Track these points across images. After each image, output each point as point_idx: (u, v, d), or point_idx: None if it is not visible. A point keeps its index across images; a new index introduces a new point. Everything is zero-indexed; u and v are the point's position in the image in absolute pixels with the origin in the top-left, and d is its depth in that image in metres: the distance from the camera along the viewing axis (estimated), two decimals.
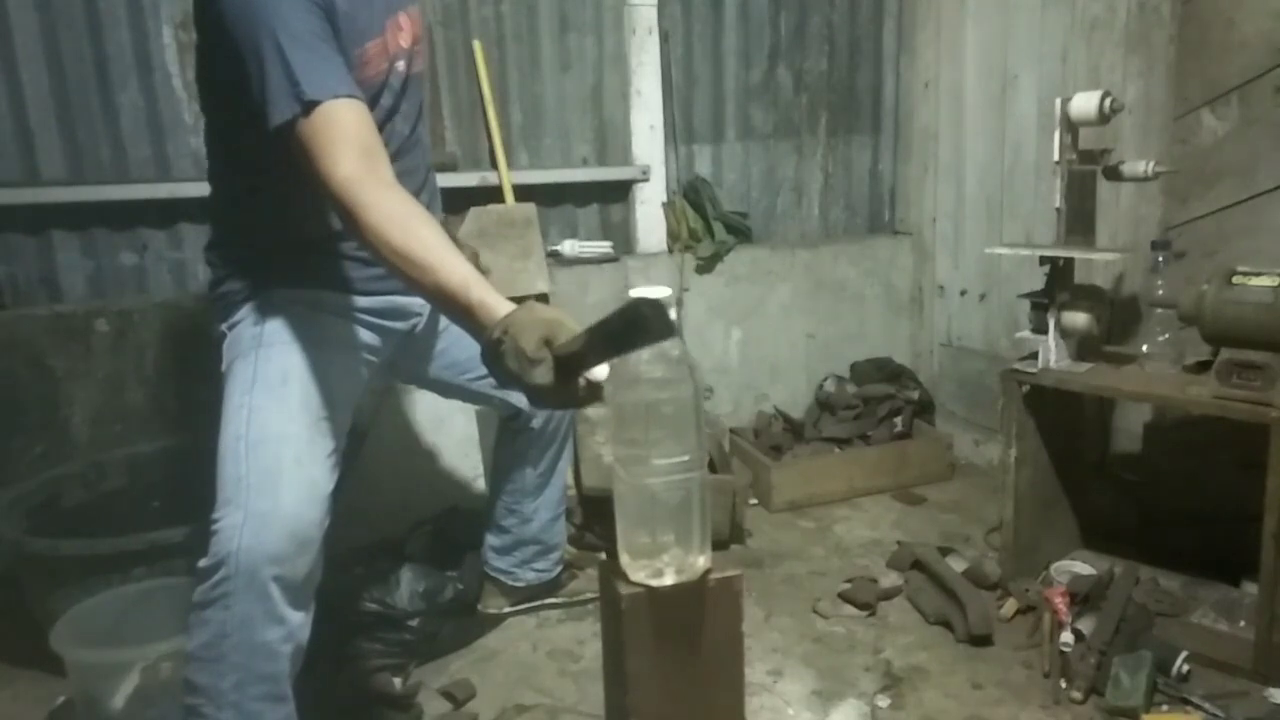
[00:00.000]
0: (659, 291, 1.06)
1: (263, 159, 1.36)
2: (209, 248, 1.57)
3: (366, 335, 1.58)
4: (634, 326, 0.92)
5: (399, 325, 1.65)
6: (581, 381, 1.06)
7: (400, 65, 1.49)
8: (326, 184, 1.20)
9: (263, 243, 1.49)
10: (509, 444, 2.02)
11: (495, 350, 1.06)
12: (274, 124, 1.22)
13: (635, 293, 1.05)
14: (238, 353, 1.44)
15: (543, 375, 1.02)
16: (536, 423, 1.94)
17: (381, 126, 1.43)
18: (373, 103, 1.39)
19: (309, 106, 1.21)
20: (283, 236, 1.47)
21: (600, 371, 1.04)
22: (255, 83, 1.23)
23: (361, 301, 1.55)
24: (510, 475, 2.01)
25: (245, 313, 1.47)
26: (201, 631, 1.29)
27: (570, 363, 1.03)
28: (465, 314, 1.12)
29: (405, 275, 1.17)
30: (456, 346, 1.78)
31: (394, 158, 1.43)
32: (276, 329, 1.45)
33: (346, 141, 1.21)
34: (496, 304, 1.09)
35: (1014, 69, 2.73)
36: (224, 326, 1.49)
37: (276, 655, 1.31)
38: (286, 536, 1.29)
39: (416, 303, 1.64)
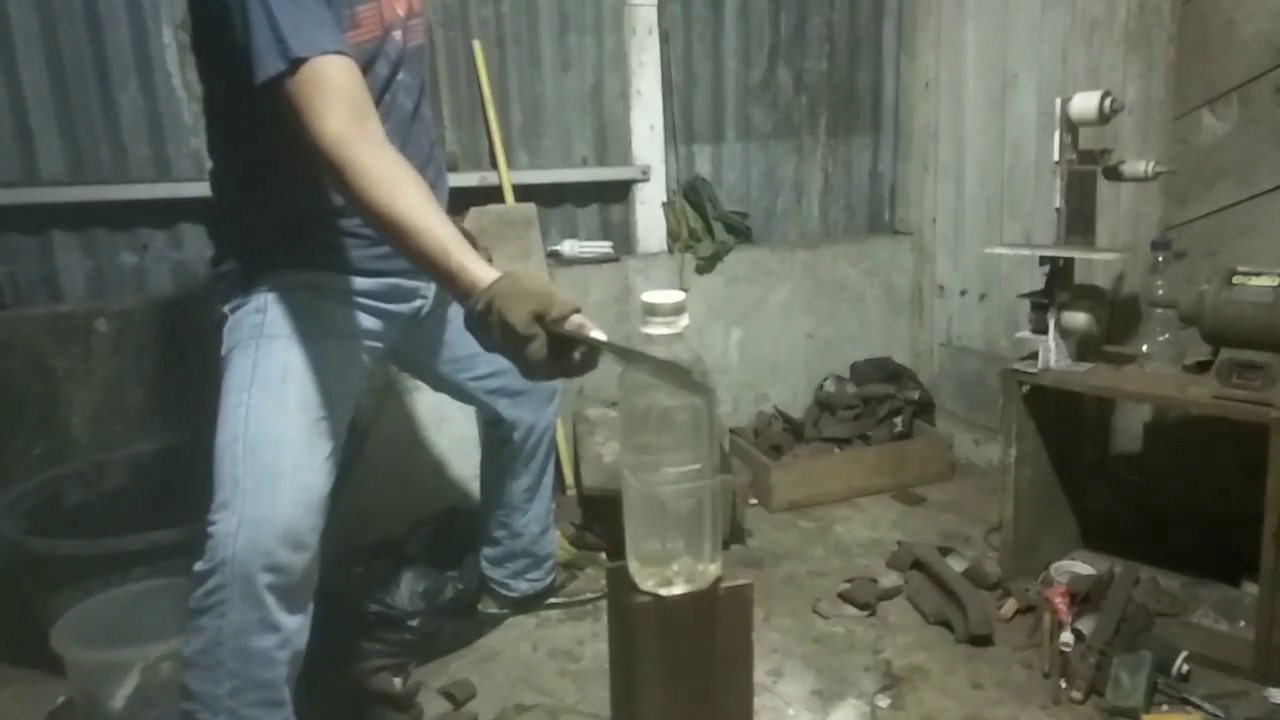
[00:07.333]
0: (672, 295, 1.04)
1: (258, 126, 1.32)
2: (211, 222, 1.53)
3: (369, 321, 1.54)
4: (662, 375, 0.94)
5: (402, 308, 1.60)
6: (575, 355, 1.05)
7: (397, 35, 1.45)
8: (316, 142, 1.17)
9: (263, 217, 1.44)
10: (493, 458, 2.02)
11: (481, 321, 1.05)
12: (259, 81, 1.18)
13: (647, 297, 1.04)
14: (237, 340, 1.41)
15: (536, 351, 1.02)
16: (517, 435, 1.94)
17: (380, 96, 1.41)
18: (367, 70, 1.36)
19: (295, 63, 1.17)
20: (282, 208, 1.43)
21: (598, 332, 1.04)
22: (240, 41, 1.20)
23: (363, 284, 1.51)
24: (497, 489, 2.01)
25: (247, 297, 1.43)
26: (197, 638, 1.29)
27: (566, 339, 1.03)
28: (447, 280, 1.11)
29: (389, 238, 1.15)
30: (458, 342, 1.77)
31: (395, 133, 1.40)
32: (278, 319, 1.41)
33: (335, 98, 1.18)
34: (477, 269, 1.08)
35: (1014, 69, 2.73)
36: (226, 309, 1.45)
37: (272, 661, 1.31)
38: (281, 542, 1.28)
39: (420, 285, 1.61)
